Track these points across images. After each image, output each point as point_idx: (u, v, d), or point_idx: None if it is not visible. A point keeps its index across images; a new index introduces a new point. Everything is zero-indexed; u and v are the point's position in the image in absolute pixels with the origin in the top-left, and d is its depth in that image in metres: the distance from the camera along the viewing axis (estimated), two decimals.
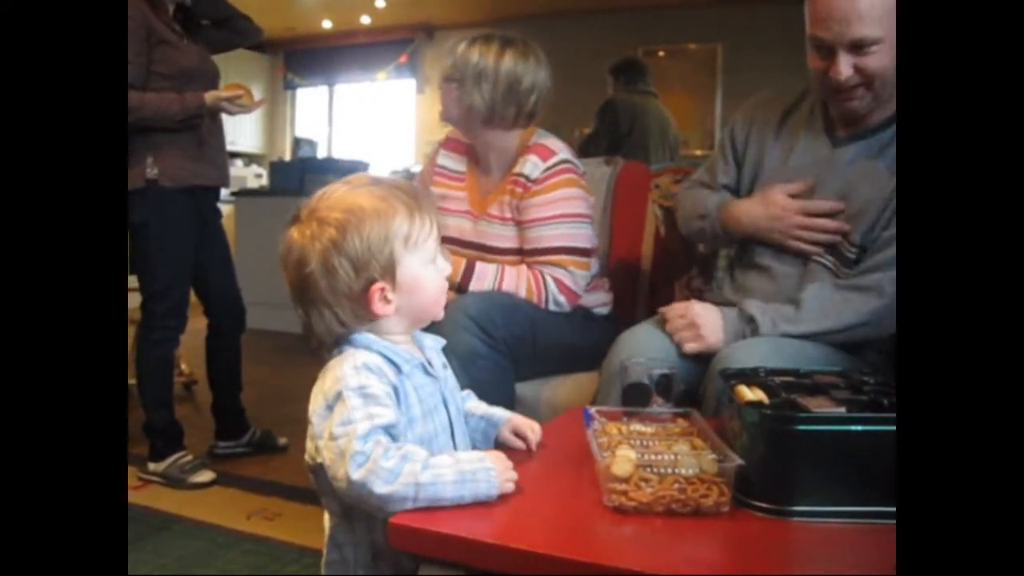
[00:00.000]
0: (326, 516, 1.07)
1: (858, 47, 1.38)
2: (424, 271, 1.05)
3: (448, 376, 1.15)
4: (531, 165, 1.87)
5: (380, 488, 0.91)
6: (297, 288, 1.04)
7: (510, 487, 0.98)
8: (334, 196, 1.04)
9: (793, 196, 1.54)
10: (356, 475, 0.91)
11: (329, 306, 1.02)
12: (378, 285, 1.02)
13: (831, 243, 1.50)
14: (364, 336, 1.04)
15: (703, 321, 1.48)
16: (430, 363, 1.10)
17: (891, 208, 1.43)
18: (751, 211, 1.60)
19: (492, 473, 0.96)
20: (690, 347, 1.48)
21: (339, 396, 0.97)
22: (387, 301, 1.03)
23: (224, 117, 2.65)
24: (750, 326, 1.46)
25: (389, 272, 1.02)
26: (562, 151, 1.90)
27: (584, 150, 4.29)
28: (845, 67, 1.39)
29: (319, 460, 0.99)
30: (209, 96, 2.51)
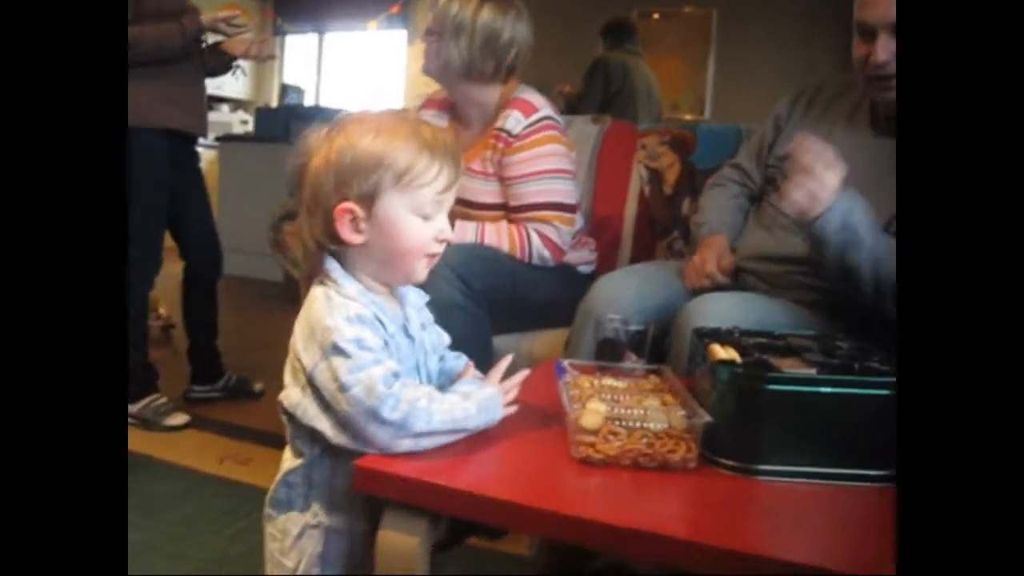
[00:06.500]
0: (287, 453, 1.02)
1: None
2: (406, 218, 0.98)
3: (424, 338, 1.09)
4: (513, 120, 1.85)
5: (420, 426, 0.92)
6: (298, 184, 1.01)
7: (512, 409, 1.04)
8: (372, 112, 1.02)
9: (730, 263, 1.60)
10: (394, 416, 0.90)
11: (310, 212, 0.99)
12: (348, 206, 0.96)
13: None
14: (343, 274, 0.99)
15: (823, 181, 1.30)
16: (408, 321, 1.05)
17: None
18: (705, 249, 1.66)
19: (498, 399, 1.01)
20: (796, 197, 1.32)
21: (335, 348, 0.92)
22: (357, 231, 0.97)
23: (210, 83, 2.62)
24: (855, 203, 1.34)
25: (366, 199, 0.96)
26: (544, 107, 1.89)
27: (575, 108, 4.25)
28: (884, 51, 1.39)
29: (300, 402, 0.96)
30: (206, 18, 2.47)
